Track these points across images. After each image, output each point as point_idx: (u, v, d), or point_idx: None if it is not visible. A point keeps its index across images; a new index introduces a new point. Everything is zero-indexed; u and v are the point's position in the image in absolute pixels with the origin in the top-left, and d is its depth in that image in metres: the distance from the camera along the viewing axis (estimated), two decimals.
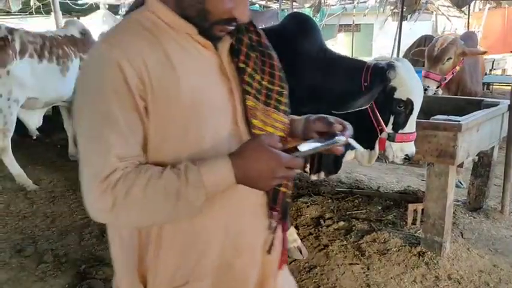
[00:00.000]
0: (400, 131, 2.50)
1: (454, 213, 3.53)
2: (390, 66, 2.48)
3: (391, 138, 2.51)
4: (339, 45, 16.31)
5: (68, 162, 5.10)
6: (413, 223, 3.30)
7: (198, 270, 1.16)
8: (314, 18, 17.97)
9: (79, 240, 3.31)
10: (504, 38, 15.05)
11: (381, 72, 2.50)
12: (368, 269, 2.87)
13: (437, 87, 4.12)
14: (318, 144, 1.13)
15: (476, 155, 3.25)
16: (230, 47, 1.19)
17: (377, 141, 2.60)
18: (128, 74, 1.01)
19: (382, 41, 17.26)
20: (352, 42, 15.61)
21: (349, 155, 2.82)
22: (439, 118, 2.87)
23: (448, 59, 4.10)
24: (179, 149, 1.08)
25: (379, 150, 2.61)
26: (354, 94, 2.51)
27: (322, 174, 2.92)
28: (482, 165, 3.66)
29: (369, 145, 2.66)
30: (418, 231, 3.23)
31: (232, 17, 1.10)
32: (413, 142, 2.55)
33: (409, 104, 2.46)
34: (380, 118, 2.50)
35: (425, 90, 4.06)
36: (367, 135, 2.60)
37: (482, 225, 3.50)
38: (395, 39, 10.92)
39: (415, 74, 2.55)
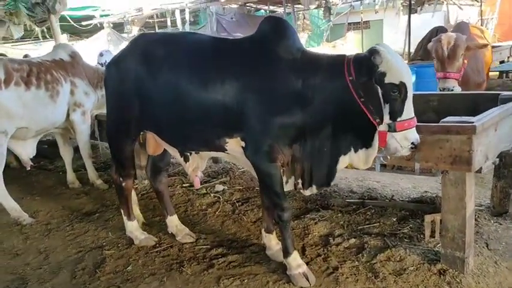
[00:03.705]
0: (398, 119, 2.33)
1: (476, 220, 3.21)
2: (373, 51, 2.33)
3: (391, 128, 2.33)
4: (349, 44, 15.92)
5: (67, 190, 4.93)
6: (432, 236, 2.98)
7: None
8: (325, 19, 17.69)
9: (71, 278, 3.09)
10: None
11: (365, 60, 2.36)
12: None
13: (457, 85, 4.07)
14: None
15: (497, 157, 2.90)
16: None
17: (375, 137, 2.43)
18: None
19: (393, 36, 16.86)
20: (362, 39, 15.25)
21: (343, 162, 2.62)
22: (451, 120, 2.56)
23: (461, 55, 4.05)
24: None
25: (380, 145, 2.43)
26: (339, 91, 2.41)
27: (314, 189, 2.73)
28: (505, 165, 3.30)
29: (366, 143, 2.50)
30: (438, 245, 2.92)
31: None
32: (415, 128, 2.38)
33: (402, 88, 2.30)
34: (374, 109, 2.35)
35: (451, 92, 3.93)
36: (363, 133, 2.46)
37: (510, 232, 3.15)
38: (406, 33, 10.59)
39: (400, 56, 2.42)
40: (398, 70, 2.30)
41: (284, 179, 2.77)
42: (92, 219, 4.07)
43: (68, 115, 4.53)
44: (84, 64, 4.81)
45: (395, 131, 2.32)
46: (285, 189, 2.77)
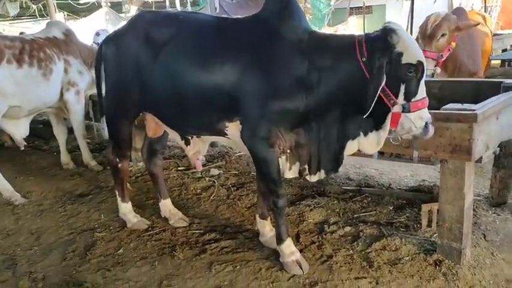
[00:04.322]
0: (413, 99, 2.26)
1: (474, 210, 3.15)
2: (389, 30, 2.23)
3: (406, 109, 2.26)
4: (351, 28, 15.74)
5: (61, 171, 4.86)
6: (429, 225, 2.94)
7: None
8: (327, 2, 17.40)
9: (61, 259, 3.04)
10: None
11: (380, 40, 2.26)
12: (377, 283, 2.53)
13: (435, 66, 3.90)
14: None
15: (498, 146, 2.84)
16: None
17: (388, 118, 2.34)
18: None
19: (397, 22, 16.65)
20: (364, 24, 15.06)
21: (351, 147, 2.53)
22: (451, 107, 2.49)
23: (442, 35, 3.87)
24: None
25: (391, 127, 2.35)
26: (351, 73, 2.32)
27: (322, 173, 2.64)
28: (505, 155, 3.24)
29: (377, 125, 2.41)
30: (435, 235, 2.87)
31: None
32: (427, 108, 2.31)
33: (420, 67, 2.23)
34: (389, 91, 2.26)
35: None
36: (375, 115, 2.34)
37: (508, 223, 3.11)
38: (408, 19, 10.44)
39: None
40: (415, 49, 2.24)
41: (287, 165, 2.68)
42: (84, 200, 4.01)
43: (61, 95, 4.43)
44: (78, 42, 4.69)
45: (409, 111, 2.26)
46: (289, 176, 2.71)
